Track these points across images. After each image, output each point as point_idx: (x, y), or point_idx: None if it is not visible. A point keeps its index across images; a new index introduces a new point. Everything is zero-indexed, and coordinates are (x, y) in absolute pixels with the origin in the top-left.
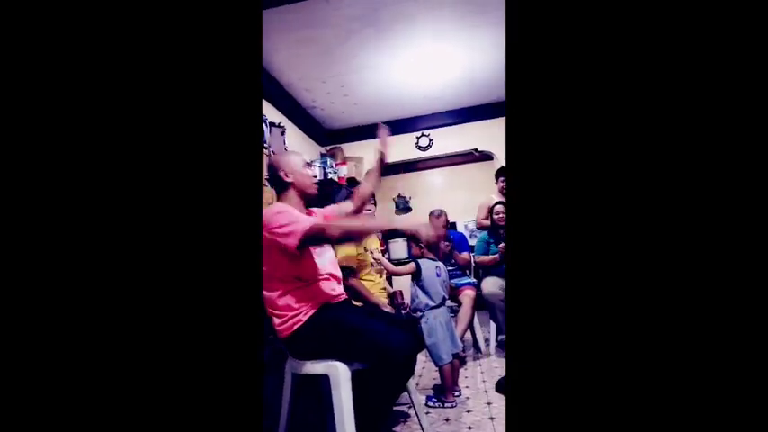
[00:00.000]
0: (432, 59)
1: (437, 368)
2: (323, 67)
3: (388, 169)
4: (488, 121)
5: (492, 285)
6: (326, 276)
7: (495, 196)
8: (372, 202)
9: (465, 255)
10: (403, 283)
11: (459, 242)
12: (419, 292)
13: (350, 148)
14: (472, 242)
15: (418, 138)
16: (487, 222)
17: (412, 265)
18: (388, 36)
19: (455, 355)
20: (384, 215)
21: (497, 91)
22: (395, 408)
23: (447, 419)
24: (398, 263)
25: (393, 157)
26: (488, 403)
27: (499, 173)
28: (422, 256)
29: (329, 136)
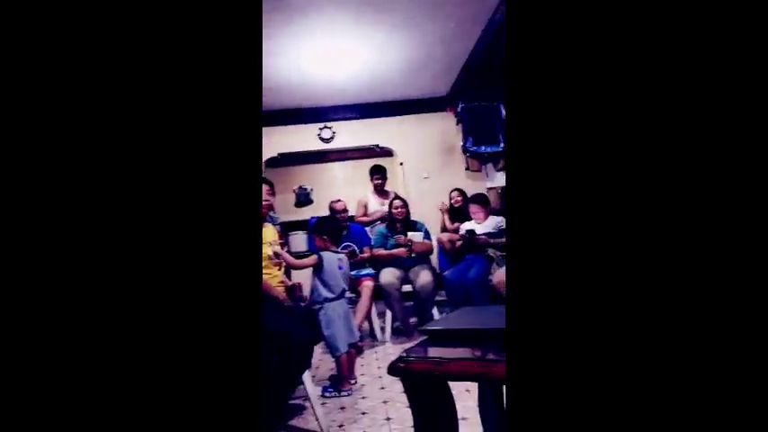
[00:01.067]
0: (336, 52)
1: (333, 358)
2: None
3: (289, 159)
4: (389, 118)
5: (389, 276)
6: None
7: (370, 194)
8: (271, 192)
9: (366, 249)
10: (302, 276)
11: (360, 236)
12: (319, 284)
13: None
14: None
15: (321, 129)
16: (366, 219)
17: (314, 258)
18: (295, 22)
19: (352, 345)
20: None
21: (398, 90)
22: (291, 401)
23: (342, 408)
24: (299, 256)
25: (295, 146)
26: (382, 388)
27: (373, 170)
28: (325, 249)
29: None
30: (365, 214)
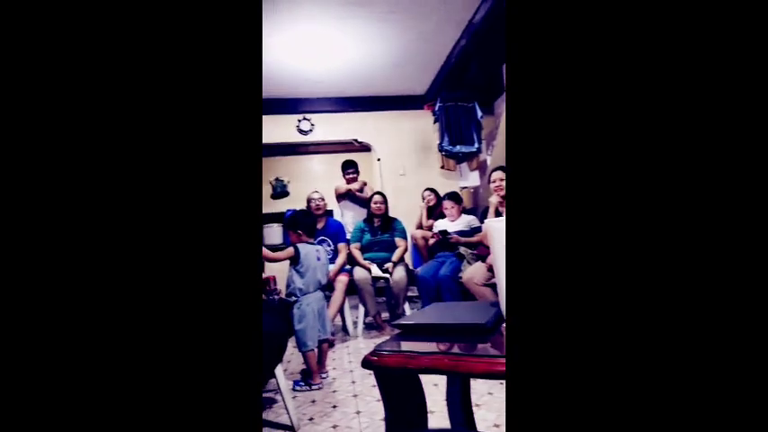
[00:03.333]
0: (318, 43)
1: (301, 353)
2: None
3: (266, 150)
4: (369, 113)
5: (363, 271)
6: None
7: (344, 184)
8: None
9: (341, 246)
10: (276, 269)
11: (337, 231)
12: (295, 276)
13: None
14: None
15: (300, 121)
16: (355, 186)
17: (290, 251)
18: (278, 11)
19: (324, 340)
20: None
21: (378, 85)
22: (263, 394)
23: (313, 401)
24: (273, 248)
25: (272, 137)
26: (353, 382)
27: (344, 165)
28: (300, 242)
29: None
30: (344, 193)
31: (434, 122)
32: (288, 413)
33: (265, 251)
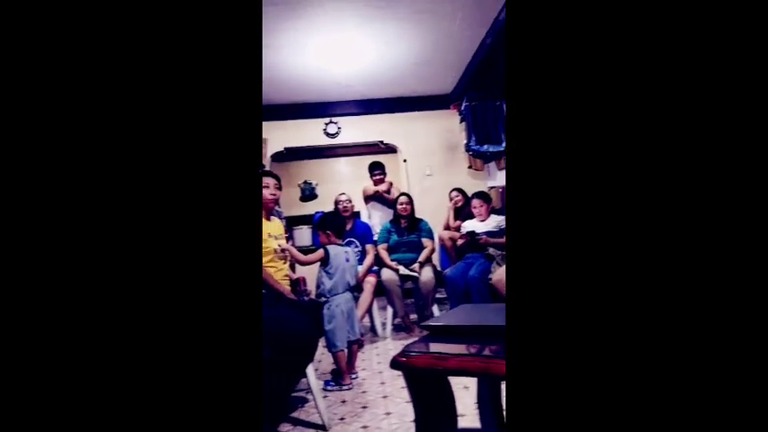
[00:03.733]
0: (343, 47)
1: (331, 354)
2: None
3: (294, 154)
4: (394, 114)
5: (390, 273)
6: None
7: (371, 186)
8: (278, 186)
9: (368, 248)
10: (305, 270)
11: (364, 233)
12: (324, 277)
13: None
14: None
15: (327, 124)
16: (382, 188)
17: (320, 252)
18: (300, 16)
19: (354, 341)
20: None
21: (403, 85)
22: (293, 393)
23: (344, 401)
24: (303, 250)
25: (301, 141)
26: (382, 383)
27: (372, 167)
28: (329, 243)
29: None
30: (371, 194)
31: (461, 122)
32: (319, 412)
33: (297, 254)
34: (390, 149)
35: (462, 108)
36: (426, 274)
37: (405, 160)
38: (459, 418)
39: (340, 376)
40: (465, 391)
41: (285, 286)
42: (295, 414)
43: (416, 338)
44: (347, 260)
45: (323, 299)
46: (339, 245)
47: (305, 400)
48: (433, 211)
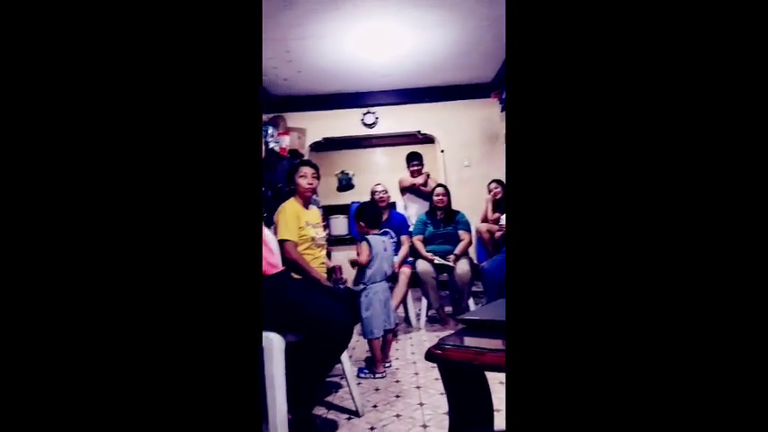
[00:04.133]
0: (380, 35)
1: (367, 340)
2: (266, 30)
3: (332, 144)
4: (432, 104)
5: (426, 264)
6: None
7: (408, 177)
8: (316, 176)
9: (404, 238)
10: (341, 258)
11: (401, 224)
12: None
13: (293, 119)
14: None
15: (364, 114)
16: (419, 181)
17: (365, 246)
18: (337, 6)
19: (389, 330)
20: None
21: (442, 74)
22: (328, 379)
23: (377, 389)
24: (339, 239)
25: (339, 131)
26: (416, 374)
27: (409, 157)
28: (366, 232)
29: (271, 103)
30: (407, 186)
31: (501, 111)
32: (353, 398)
33: (361, 259)
34: (428, 140)
35: (503, 97)
36: (462, 267)
37: (442, 151)
38: (495, 413)
39: (374, 364)
40: (501, 386)
41: (321, 273)
42: (329, 398)
43: (451, 331)
44: (384, 249)
45: (361, 286)
46: (377, 234)
47: (339, 386)
48: (471, 202)
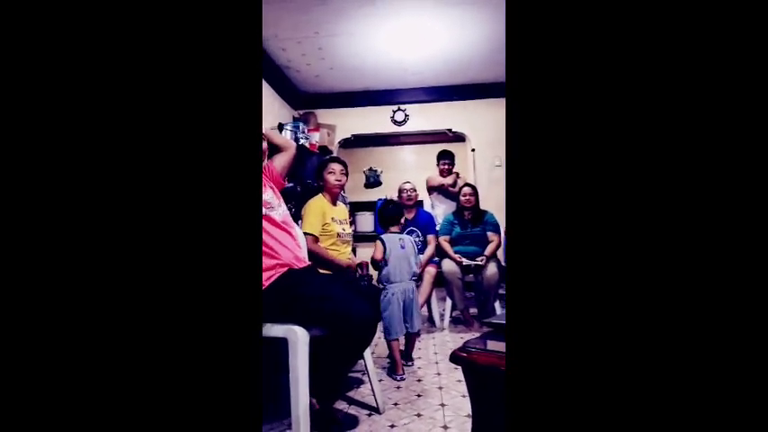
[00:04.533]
0: (412, 33)
1: (385, 340)
2: (299, 27)
3: (361, 141)
4: (464, 101)
5: (451, 264)
6: (290, 244)
7: (436, 176)
8: (344, 172)
9: (430, 237)
10: (366, 256)
11: (427, 223)
12: (383, 265)
13: (323, 115)
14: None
15: (394, 111)
16: (447, 182)
17: (379, 244)
18: (369, 3)
19: (411, 334)
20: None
21: (474, 72)
22: (350, 374)
23: (398, 387)
24: (365, 236)
25: (368, 128)
26: (438, 374)
27: (440, 155)
28: (385, 232)
29: (303, 100)
30: (435, 186)
31: None
32: (374, 395)
33: (373, 256)
34: (458, 138)
35: None
36: (490, 269)
37: (473, 150)
38: None
39: (394, 370)
40: None
41: (345, 260)
42: (351, 393)
43: (475, 333)
44: (402, 248)
45: (381, 285)
46: (396, 233)
47: (361, 382)
48: (502, 203)
